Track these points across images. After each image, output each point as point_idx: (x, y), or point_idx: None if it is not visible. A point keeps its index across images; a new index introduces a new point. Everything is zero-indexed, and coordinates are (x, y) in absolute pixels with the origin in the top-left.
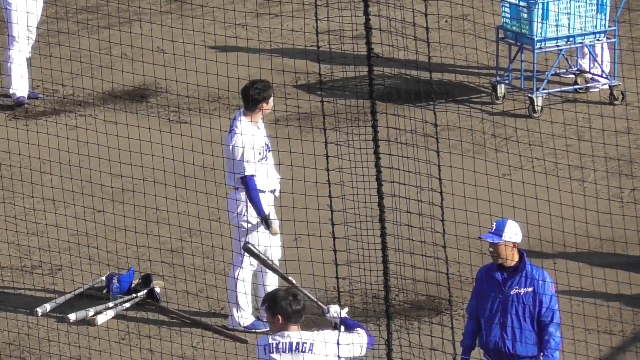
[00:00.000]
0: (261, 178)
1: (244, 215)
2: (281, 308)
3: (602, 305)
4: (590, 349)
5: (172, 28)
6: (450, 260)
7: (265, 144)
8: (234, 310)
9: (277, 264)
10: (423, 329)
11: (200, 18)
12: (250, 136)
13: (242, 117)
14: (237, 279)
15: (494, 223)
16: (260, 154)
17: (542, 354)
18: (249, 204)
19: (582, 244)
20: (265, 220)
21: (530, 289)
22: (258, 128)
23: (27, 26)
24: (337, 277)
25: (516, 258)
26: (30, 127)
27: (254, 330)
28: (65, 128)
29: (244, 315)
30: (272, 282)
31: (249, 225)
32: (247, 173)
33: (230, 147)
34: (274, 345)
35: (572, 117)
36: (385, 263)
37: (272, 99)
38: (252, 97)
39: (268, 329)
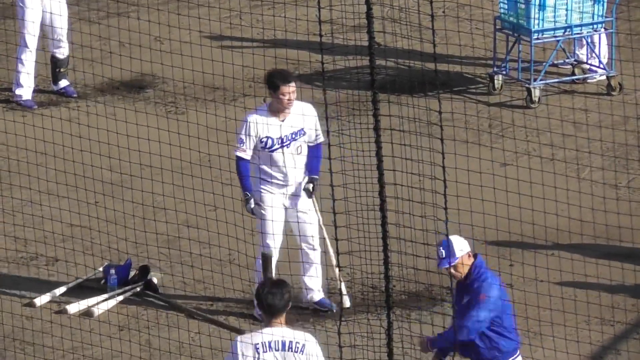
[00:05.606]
0: (264, 165)
1: (260, 194)
2: (266, 303)
3: (601, 295)
4: (587, 338)
5: (175, 16)
6: None
7: (272, 138)
8: None
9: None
10: (423, 318)
11: (205, 5)
12: (253, 123)
13: (264, 104)
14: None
15: (440, 248)
16: (262, 142)
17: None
18: (263, 186)
19: (586, 231)
20: (246, 199)
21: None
22: (281, 121)
23: (53, 27)
24: (338, 266)
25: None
26: (27, 118)
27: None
28: (62, 120)
29: None
30: (314, 272)
31: (266, 205)
32: (235, 152)
33: None
34: (267, 344)
35: (570, 106)
36: (386, 252)
37: (285, 88)
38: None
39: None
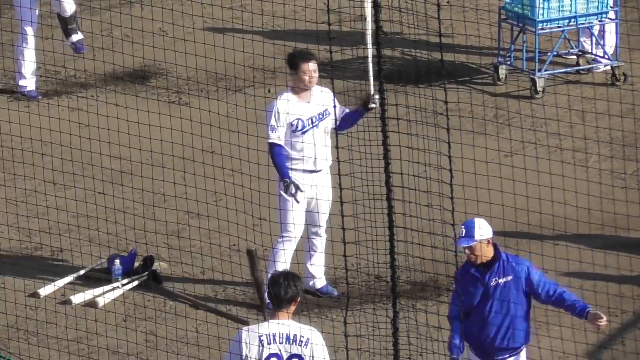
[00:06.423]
0: (293, 151)
1: (278, 185)
2: (272, 294)
3: (608, 285)
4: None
5: (180, 5)
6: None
7: (302, 119)
8: None
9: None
10: (429, 307)
11: None
12: (282, 108)
13: (286, 89)
14: (278, 248)
15: (462, 227)
16: (292, 125)
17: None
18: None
19: (594, 220)
20: (286, 185)
21: (509, 277)
22: (307, 102)
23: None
24: (344, 255)
25: (491, 253)
26: (31, 108)
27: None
28: (67, 110)
29: None
30: (318, 260)
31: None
32: (269, 140)
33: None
34: (271, 336)
35: (576, 95)
36: (392, 242)
37: (306, 65)
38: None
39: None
